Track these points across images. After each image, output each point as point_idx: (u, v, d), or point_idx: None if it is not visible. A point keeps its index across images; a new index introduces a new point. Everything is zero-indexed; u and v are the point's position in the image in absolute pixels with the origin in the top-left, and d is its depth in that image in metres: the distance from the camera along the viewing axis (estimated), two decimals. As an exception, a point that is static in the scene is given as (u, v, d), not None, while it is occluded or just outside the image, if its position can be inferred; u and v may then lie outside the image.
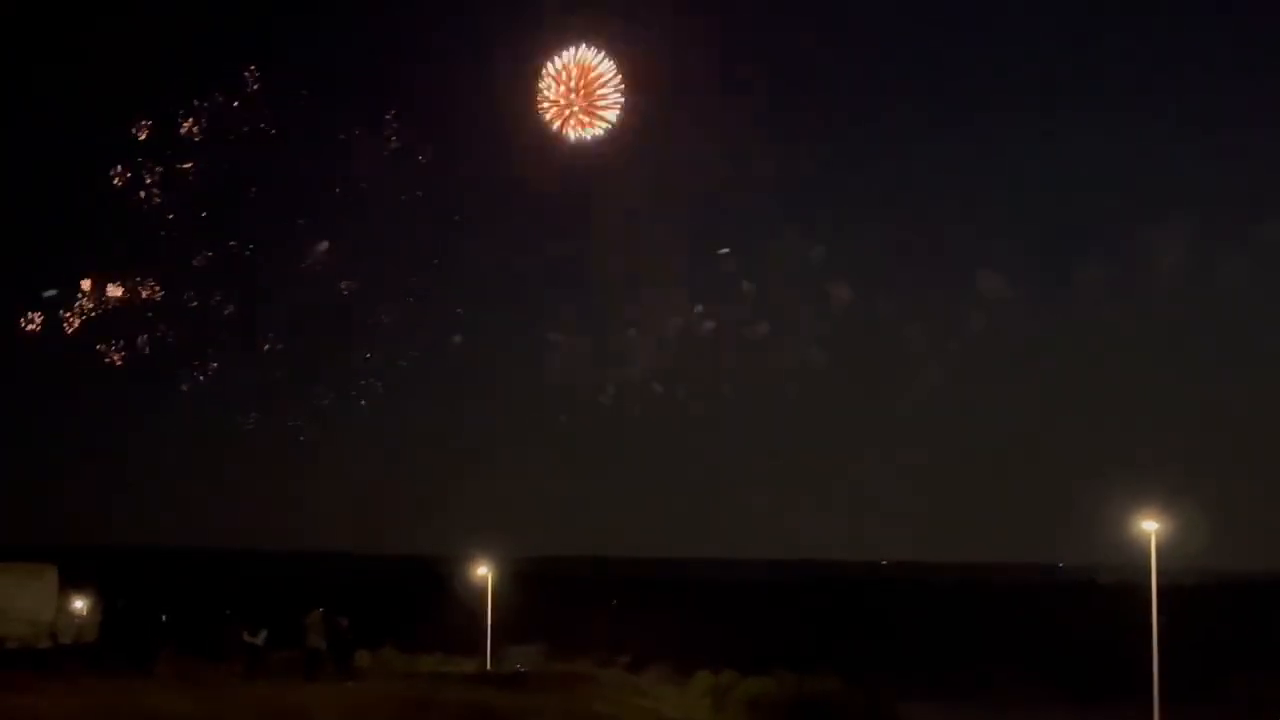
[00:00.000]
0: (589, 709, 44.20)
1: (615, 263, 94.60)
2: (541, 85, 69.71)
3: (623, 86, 69.29)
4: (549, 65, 69.59)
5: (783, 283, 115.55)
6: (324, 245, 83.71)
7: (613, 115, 70.44)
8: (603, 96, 69.01)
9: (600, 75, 68.40)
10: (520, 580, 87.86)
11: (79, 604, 62.03)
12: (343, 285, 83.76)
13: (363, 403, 79.99)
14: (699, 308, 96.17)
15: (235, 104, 75.54)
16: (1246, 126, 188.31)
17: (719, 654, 66.81)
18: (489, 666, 68.00)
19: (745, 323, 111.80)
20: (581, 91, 69.13)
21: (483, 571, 71.03)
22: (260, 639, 49.55)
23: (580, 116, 69.05)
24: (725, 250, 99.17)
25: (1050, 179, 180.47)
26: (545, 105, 69.62)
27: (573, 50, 69.95)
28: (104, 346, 76.68)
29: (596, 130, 69.36)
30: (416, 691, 41.10)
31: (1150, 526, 50.64)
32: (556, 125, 69.52)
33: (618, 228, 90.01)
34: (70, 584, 62.42)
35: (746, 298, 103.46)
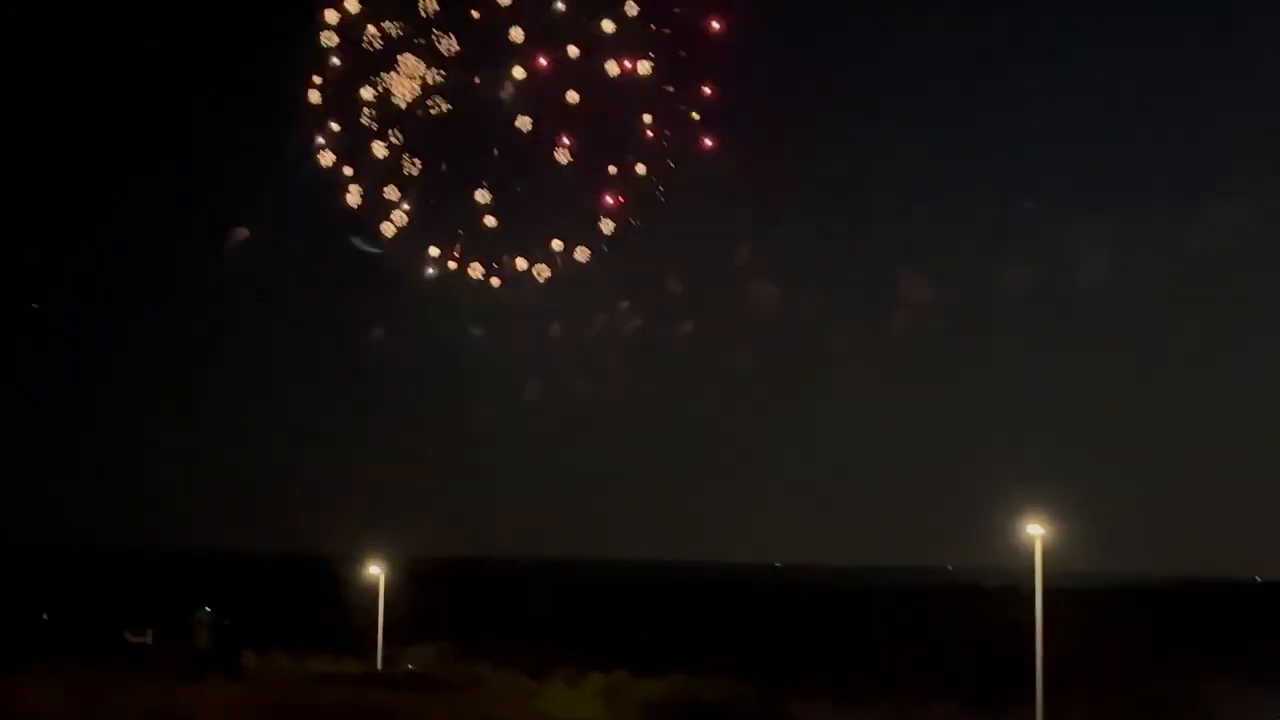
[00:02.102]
0: (478, 710, 44.03)
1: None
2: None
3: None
4: None
5: (709, 282, 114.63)
6: (244, 233, 78.20)
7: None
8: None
9: None
10: (422, 580, 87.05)
11: (-46, 603, 60.73)
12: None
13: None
14: (624, 304, 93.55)
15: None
16: (1167, 129, 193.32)
17: (617, 654, 66.64)
18: (379, 667, 67.28)
19: (670, 321, 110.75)
20: None
21: (375, 571, 70.07)
22: (147, 638, 48.86)
23: None
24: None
25: (975, 180, 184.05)
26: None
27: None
28: None
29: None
30: (303, 693, 40.69)
31: (1036, 531, 51.07)
32: None
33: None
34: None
35: (672, 296, 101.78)
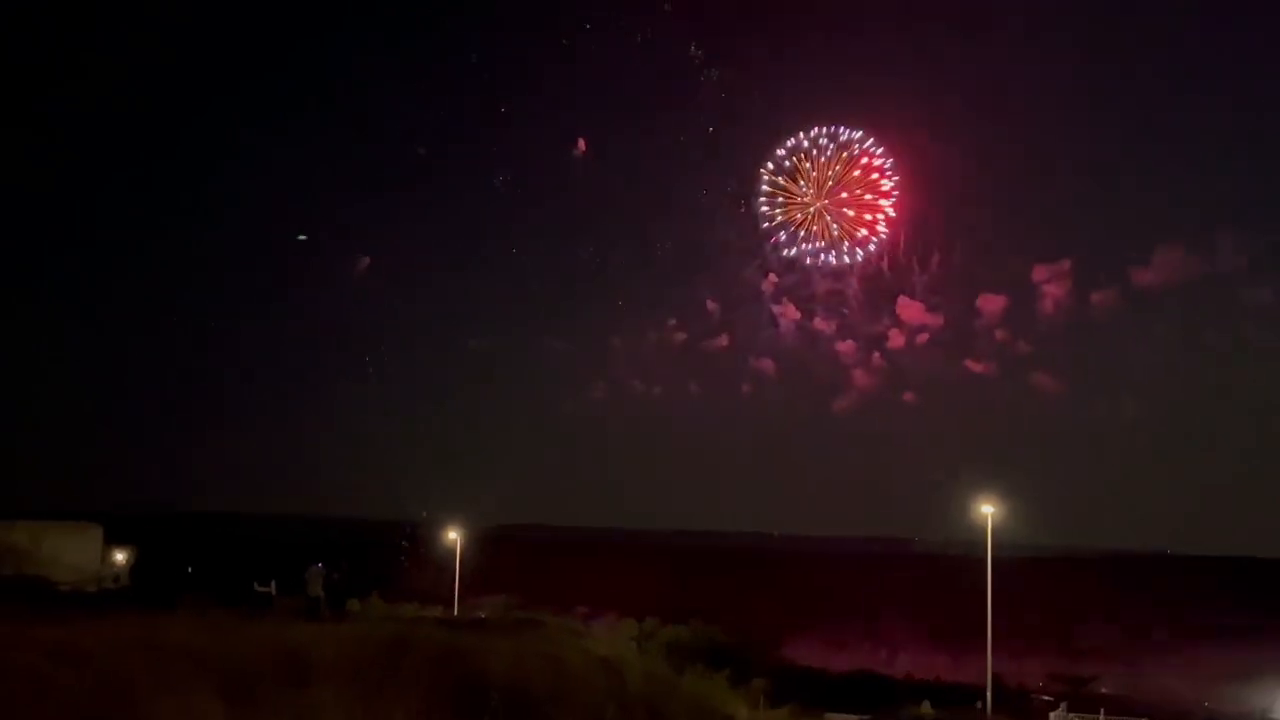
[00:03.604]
0: (535, 648, 45.01)
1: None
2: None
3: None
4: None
5: (740, 304, 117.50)
6: (365, 261, 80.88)
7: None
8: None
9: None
10: (493, 543, 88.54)
11: (119, 556, 63.00)
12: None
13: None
14: (672, 321, 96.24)
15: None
16: (1137, 173, 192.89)
17: (652, 606, 68.16)
18: (456, 613, 68.64)
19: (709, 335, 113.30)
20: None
21: (453, 536, 71.58)
22: (271, 588, 50.29)
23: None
24: None
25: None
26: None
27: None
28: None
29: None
30: (397, 632, 41.75)
31: (987, 510, 51.67)
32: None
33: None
34: (113, 540, 63.28)
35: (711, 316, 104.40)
